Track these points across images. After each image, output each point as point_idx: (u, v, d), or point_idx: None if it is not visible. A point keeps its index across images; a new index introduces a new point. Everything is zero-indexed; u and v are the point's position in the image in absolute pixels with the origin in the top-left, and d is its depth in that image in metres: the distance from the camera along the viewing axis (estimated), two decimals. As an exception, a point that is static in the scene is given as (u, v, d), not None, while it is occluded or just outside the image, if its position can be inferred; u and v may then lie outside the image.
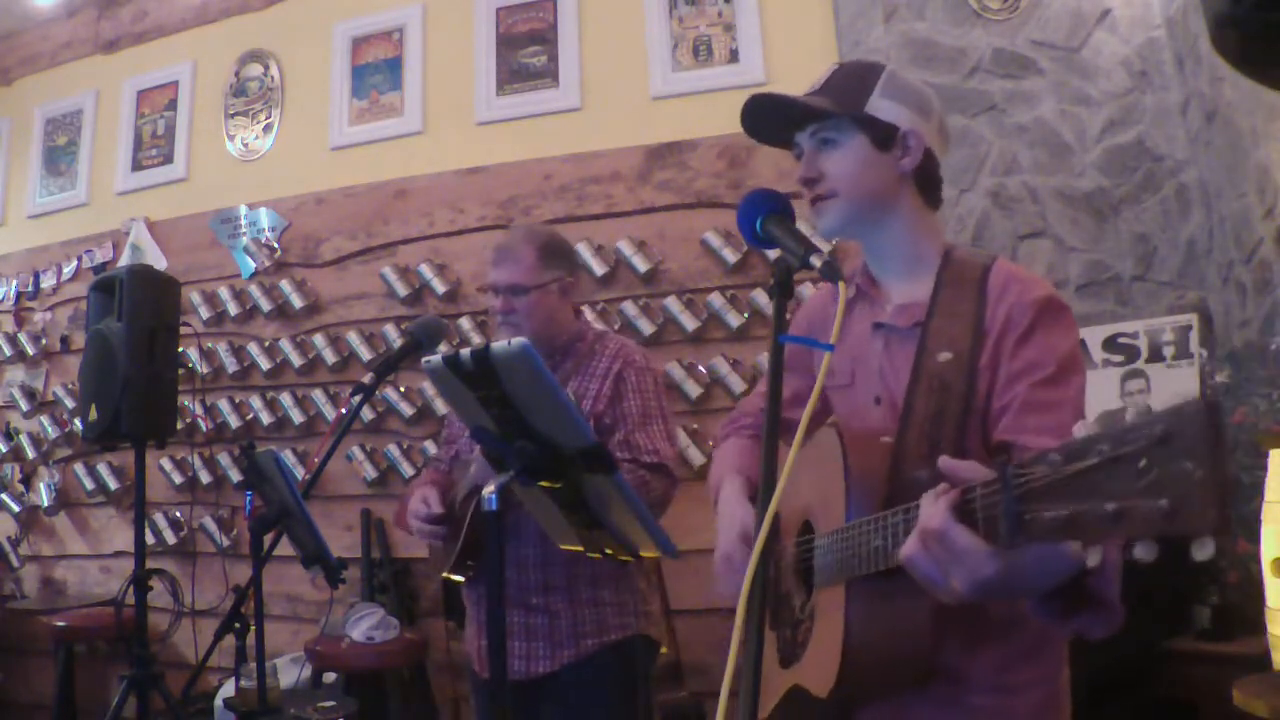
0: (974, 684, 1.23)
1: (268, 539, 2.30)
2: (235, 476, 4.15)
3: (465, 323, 3.82)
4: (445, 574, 2.16)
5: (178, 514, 4.25)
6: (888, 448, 1.23)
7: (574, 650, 2.09)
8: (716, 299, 3.51)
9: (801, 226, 1.21)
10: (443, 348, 2.44)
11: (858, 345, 1.41)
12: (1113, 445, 0.72)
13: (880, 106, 1.33)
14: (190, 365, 4.07)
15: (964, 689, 1.23)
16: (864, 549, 1.12)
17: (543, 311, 2.16)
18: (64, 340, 4.63)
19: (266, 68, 4.47)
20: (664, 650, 2.59)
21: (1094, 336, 3.00)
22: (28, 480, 4.66)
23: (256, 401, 4.17)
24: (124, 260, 4.46)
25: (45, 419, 4.60)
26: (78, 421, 4.14)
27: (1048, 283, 1.33)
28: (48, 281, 4.72)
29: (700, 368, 3.50)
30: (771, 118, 1.38)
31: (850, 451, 1.22)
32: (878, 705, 1.23)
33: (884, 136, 1.34)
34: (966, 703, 1.23)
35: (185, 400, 3.86)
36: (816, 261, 1.08)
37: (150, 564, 3.30)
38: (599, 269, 3.63)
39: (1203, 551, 0.67)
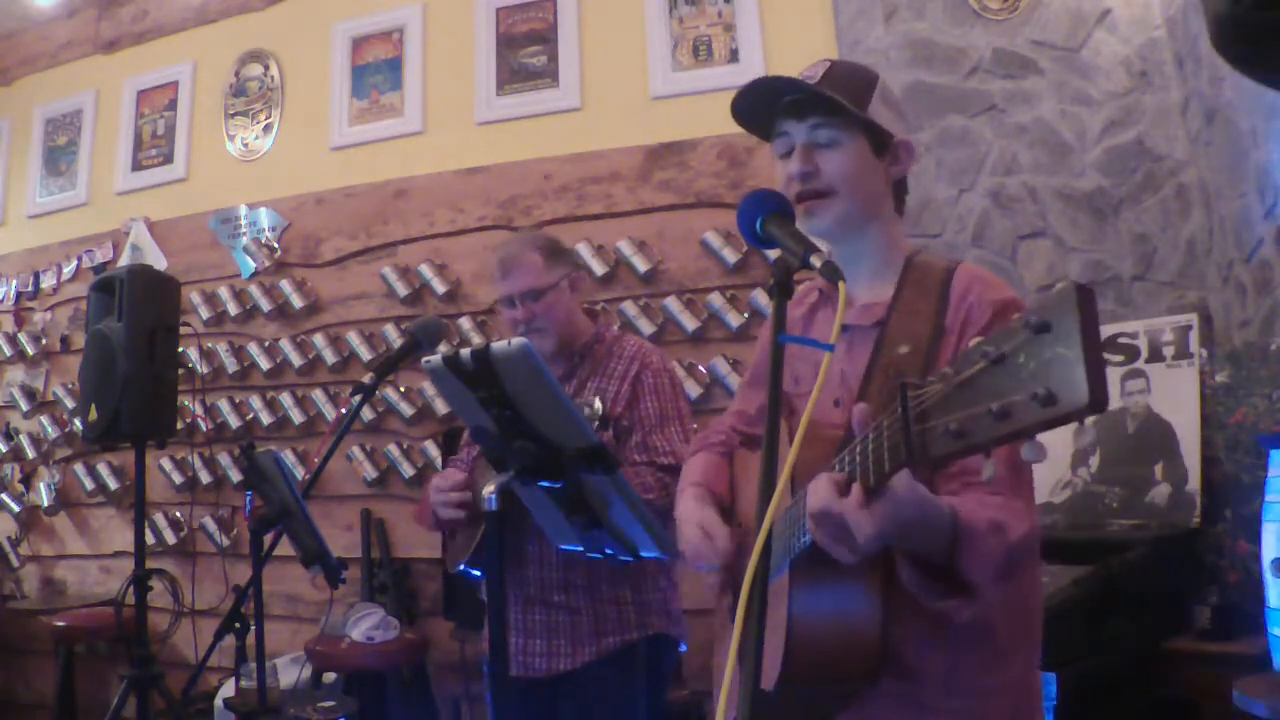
0: (944, 688, 1.21)
1: (268, 539, 2.31)
2: (235, 476, 4.15)
3: (465, 323, 3.82)
4: (460, 565, 2.16)
5: (178, 514, 4.25)
6: (835, 438, 1.23)
7: (595, 648, 2.09)
8: (716, 299, 3.51)
9: None
10: (443, 348, 2.44)
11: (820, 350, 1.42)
12: (996, 347, 0.72)
13: (880, 113, 1.35)
14: (190, 365, 4.07)
15: (933, 693, 1.21)
16: (789, 537, 1.15)
17: (561, 310, 2.22)
18: (64, 340, 4.63)
19: (266, 68, 4.47)
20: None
21: (1094, 336, 2.99)
22: (28, 480, 4.66)
23: (256, 401, 4.17)
24: (124, 260, 4.47)
25: (45, 419, 4.61)
26: (78, 421, 4.14)
27: (1011, 287, 1.34)
28: (48, 281, 4.73)
29: (700, 368, 3.50)
30: (769, 100, 1.36)
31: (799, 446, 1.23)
32: (848, 716, 1.23)
33: (880, 143, 1.36)
34: (936, 708, 1.21)
35: (185, 400, 3.85)
36: (816, 261, 1.08)
37: (150, 564, 3.30)
38: (599, 269, 3.63)
39: (1081, 438, 0.68)
